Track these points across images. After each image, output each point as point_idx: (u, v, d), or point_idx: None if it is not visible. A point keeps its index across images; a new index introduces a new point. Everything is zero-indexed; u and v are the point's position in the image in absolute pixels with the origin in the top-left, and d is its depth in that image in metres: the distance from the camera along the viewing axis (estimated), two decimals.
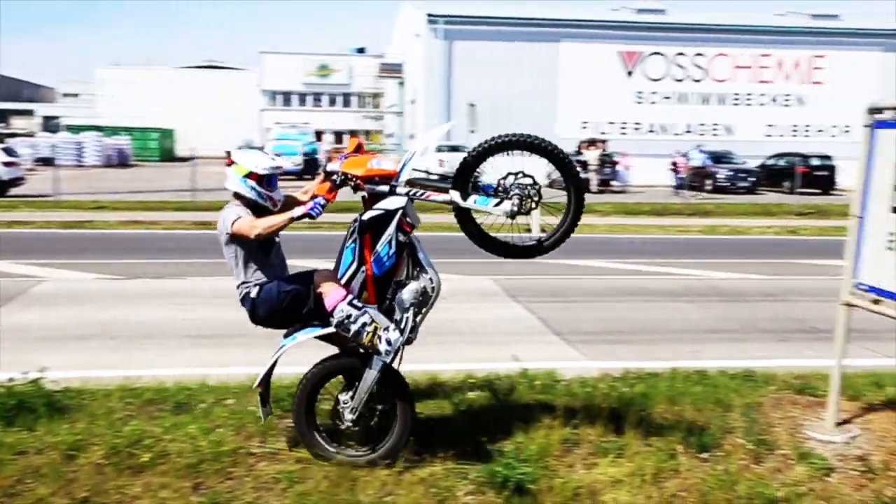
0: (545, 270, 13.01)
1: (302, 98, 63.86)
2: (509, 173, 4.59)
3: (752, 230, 20.47)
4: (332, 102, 64.42)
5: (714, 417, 5.58)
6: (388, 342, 4.58)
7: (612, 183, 34.19)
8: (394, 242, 4.63)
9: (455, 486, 4.64)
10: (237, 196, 4.85)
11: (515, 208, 4.52)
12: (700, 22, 41.39)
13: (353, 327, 4.58)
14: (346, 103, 64.56)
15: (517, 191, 4.55)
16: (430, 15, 39.30)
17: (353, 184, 4.64)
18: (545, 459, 4.93)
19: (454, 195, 4.57)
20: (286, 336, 4.88)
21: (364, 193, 4.70)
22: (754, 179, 33.85)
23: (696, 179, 32.10)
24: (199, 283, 11.01)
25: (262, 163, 4.81)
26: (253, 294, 4.75)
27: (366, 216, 4.65)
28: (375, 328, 4.59)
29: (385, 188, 4.64)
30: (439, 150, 31.73)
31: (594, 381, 6.25)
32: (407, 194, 4.61)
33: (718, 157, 35.46)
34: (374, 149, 46.20)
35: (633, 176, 37.05)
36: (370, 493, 4.50)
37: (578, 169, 4.75)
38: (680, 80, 41.19)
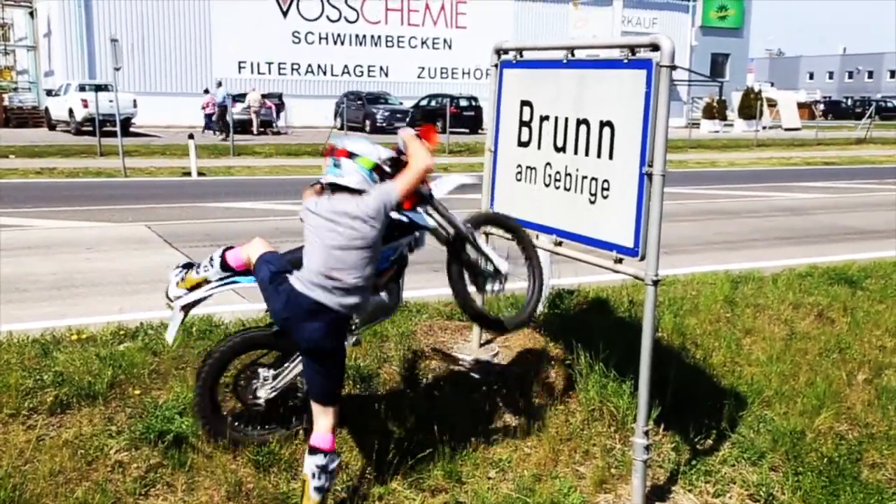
0: (203, 215, 12.62)
1: None
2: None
3: None
4: None
5: (371, 349, 5.79)
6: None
7: (278, 125, 33.99)
8: (398, 253, 4.44)
9: (106, 445, 4.36)
10: (346, 190, 3.90)
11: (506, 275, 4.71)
12: None
13: (321, 483, 3.90)
14: None
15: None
16: None
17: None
18: None
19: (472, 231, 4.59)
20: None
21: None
22: (410, 119, 35.41)
23: (223, 117, 29.51)
24: None
25: (382, 152, 4.09)
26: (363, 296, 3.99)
27: (393, 215, 4.20)
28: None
29: (425, 192, 4.37)
30: (82, 88, 29.17)
31: (253, 322, 6.16)
32: (439, 211, 4.47)
33: (375, 98, 36.60)
34: (3, 87, 41.09)
35: (294, 117, 37.09)
36: (4, 463, 4.08)
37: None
38: (335, 21, 41.54)
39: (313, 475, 3.81)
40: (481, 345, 6.02)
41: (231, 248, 4.34)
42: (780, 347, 6.13)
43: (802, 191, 17.95)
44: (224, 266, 4.27)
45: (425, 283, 8.13)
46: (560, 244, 4.98)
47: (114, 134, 20.79)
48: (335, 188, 3.93)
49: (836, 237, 11.86)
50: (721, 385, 5.50)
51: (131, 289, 7.89)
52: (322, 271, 3.81)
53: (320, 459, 3.82)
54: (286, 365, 4.43)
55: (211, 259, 4.32)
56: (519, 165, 5.30)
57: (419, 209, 4.44)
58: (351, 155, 3.95)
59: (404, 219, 4.38)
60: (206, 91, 31.18)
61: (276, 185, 17.10)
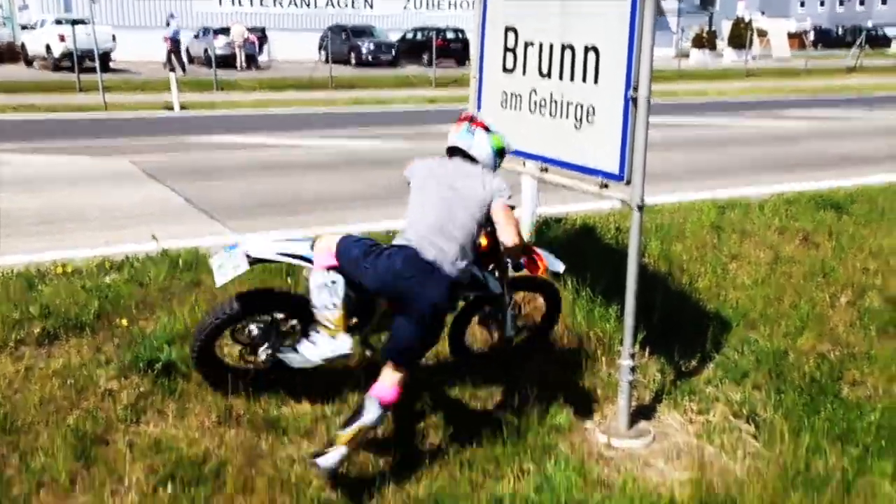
0: (188, 149, 12.49)
1: None
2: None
3: (394, 101, 21.28)
4: None
5: None
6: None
7: (261, 59, 33.45)
8: (456, 302, 4.29)
9: (95, 374, 4.38)
10: (465, 157, 4.01)
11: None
12: None
13: (362, 421, 3.60)
14: None
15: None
16: None
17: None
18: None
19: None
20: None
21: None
22: (396, 52, 34.92)
23: (174, 49, 28.65)
24: None
25: (510, 142, 4.23)
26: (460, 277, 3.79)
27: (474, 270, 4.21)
28: None
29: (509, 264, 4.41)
30: (59, 23, 28.51)
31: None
32: (506, 285, 4.50)
33: (360, 31, 36.03)
34: None
35: (277, 51, 36.52)
36: None
37: None
38: None
39: (361, 411, 3.58)
40: None
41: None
42: (766, 271, 6.17)
43: (792, 119, 17.88)
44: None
45: (398, 214, 8.13)
46: (546, 170, 4.95)
47: (93, 69, 20.43)
48: (454, 153, 4.00)
49: (823, 164, 11.86)
50: (706, 309, 5.55)
51: (117, 223, 7.84)
52: (436, 225, 3.75)
53: (374, 405, 3.58)
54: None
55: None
56: (504, 92, 5.23)
57: (493, 274, 4.45)
58: (487, 129, 4.04)
59: (480, 276, 4.38)
60: (168, 23, 30.09)
61: (261, 120, 16.94)
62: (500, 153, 4.11)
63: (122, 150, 12.16)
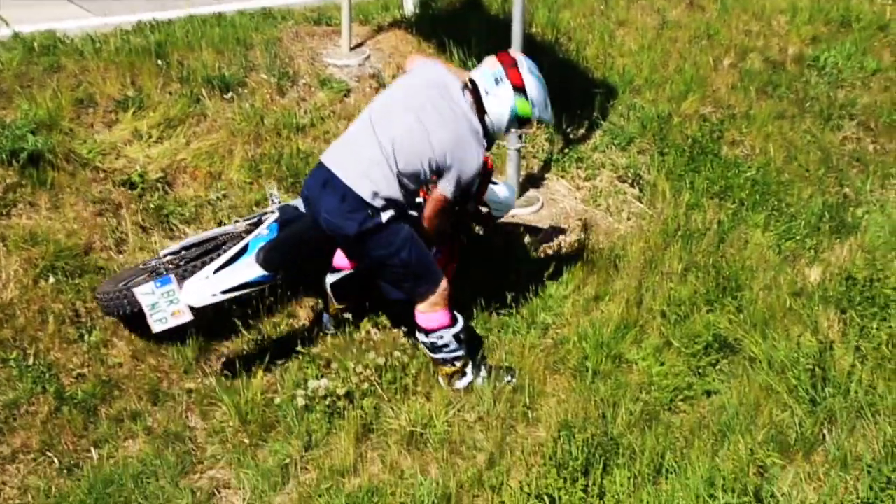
0: None
1: None
2: None
3: None
4: None
5: (236, 57, 5.46)
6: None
7: None
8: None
9: None
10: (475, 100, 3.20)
11: None
12: None
13: (440, 356, 3.39)
14: None
15: None
16: None
17: None
18: (59, 124, 4.49)
19: None
20: None
21: None
22: None
23: None
24: None
25: (546, 113, 3.31)
26: (383, 219, 3.12)
27: None
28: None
29: None
30: None
31: (105, 37, 5.66)
32: None
33: None
34: None
35: None
36: None
37: None
38: None
39: (431, 350, 3.41)
40: (351, 49, 5.77)
41: None
42: (652, 37, 6.13)
43: None
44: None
45: None
46: None
47: None
48: (472, 88, 3.25)
49: None
50: (594, 77, 5.52)
51: None
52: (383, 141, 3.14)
53: (423, 337, 3.39)
54: None
55: None
56: None
57: None
58: (521, 89, 3.19)
59: None
60: None
61: None
62: (519, 121, 3.29)
63: None
